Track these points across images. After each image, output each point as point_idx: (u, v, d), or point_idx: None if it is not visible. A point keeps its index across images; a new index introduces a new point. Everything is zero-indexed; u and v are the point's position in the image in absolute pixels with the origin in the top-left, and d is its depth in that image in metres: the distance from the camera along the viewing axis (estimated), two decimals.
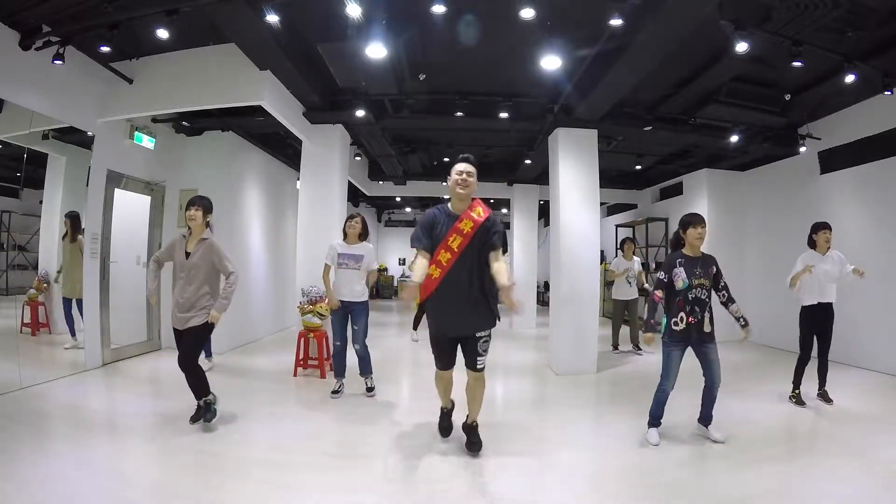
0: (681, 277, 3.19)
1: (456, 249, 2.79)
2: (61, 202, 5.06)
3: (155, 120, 5.84)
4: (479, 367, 2.98)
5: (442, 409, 3.38)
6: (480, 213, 2.87)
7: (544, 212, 11.15)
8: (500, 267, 2.79)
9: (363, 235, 4.38)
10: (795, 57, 3.97)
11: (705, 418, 3.39)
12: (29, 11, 3.79)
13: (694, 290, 3.19)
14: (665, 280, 3.26)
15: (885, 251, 5.45)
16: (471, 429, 3.15)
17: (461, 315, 2.89)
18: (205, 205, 3.47)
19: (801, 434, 3.63)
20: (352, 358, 4.37)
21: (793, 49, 3.94)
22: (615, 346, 6.81)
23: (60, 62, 4.02)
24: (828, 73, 4.76)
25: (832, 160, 6.16)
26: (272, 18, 3.64)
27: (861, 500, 2.52)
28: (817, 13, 3.62)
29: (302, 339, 5.11)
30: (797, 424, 3.78)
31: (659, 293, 3.26)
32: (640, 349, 6.70)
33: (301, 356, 5.09)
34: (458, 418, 3.35)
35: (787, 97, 5.41)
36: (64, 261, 4.98)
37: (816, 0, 3.49)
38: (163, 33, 3.89)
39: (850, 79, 4.37)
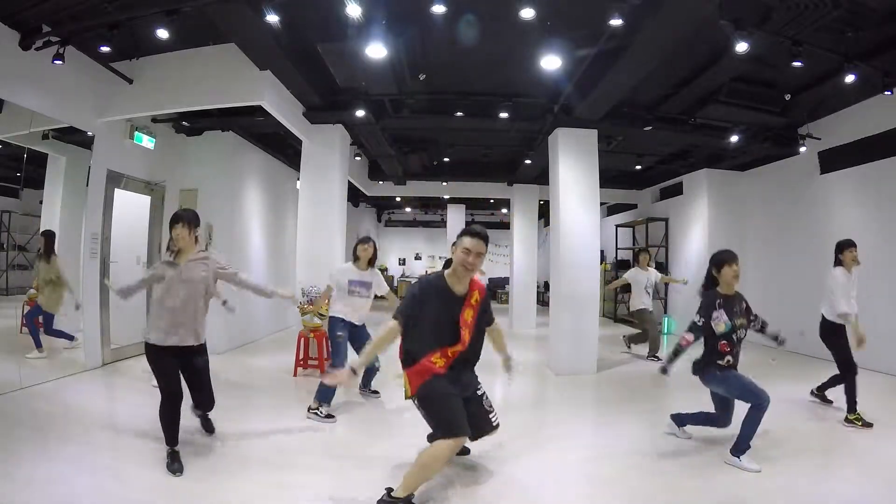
0: (722, 321, 2.95)
1: (466, 342, 2.55)
2: (61, 202, 5.07)
3: (155, 120, 5.84)
4: (496, 424, 2.71)
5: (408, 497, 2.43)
6: (477, 298, 2.64)
7: (544, 212, 11.14)
8: (501, 334, 2.98)
9: (372, 261, 4.12)
10: (795, 57, 3.97)
11: (681, 420, 3.35)
12: (29, 11, 3.79)
13: (738, 332, 2.99)
14: (702, 325, 2.98)
15: (885, 251, 5.44)
16: None
17: (461, 385, 2.61)
18: (189, 219, 2.91)
19: (804, 435, 3.63)
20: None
21: (793, 49, 3.94)
22: (653, 354, 6.34)
23: (60, 62, 4.01)
24: (828, 73, 4.76)
25: (832, 160, 6.15)
26: (272, 18, 3.64)
27: (863, 501, 2.52)
28: (817, 13, 3.62)
29: (302, 339, 5.12)
30: (799, 426, 3.78)
31: (689, 337, 2.98)
32: (659, 358, 6.31)
33: (301, 356, 5.10)
34: None
35: (787, 97, 5.41)
36: (39, 279, 4.71)
37: (816, 0, 3.49)
38: (163, 33, 3.88)
39: (850, 79, 4.37)
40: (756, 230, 7.70)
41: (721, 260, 3.07)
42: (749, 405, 2.90)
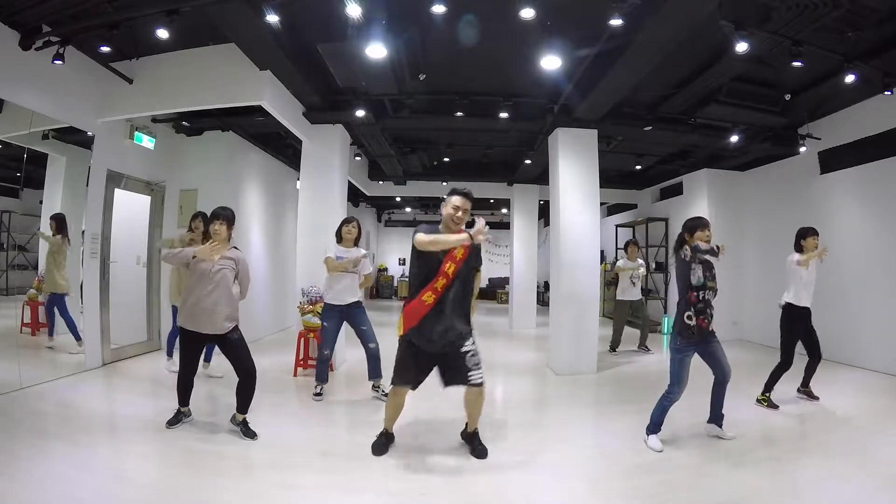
0: (698, 274, 3.19)
1: (450, 275, 2.85)
2: (61, 202, 5.06)
3: (155, 120, 5.84)
4: (476, 380, 2.90)
5: (384, 430, 3.16)
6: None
7: (544, 212, 11.15)
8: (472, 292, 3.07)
9: (357, 240, 4.37)
10: (795, 57, 3.97)
11: (717, 418, 3.39)
12: (29, 11, 3.79)
13: (707, 292, 3.19)
14: (687, 259, 3.21)
15: (885, 251, 5.45)
16: (472, 436, 3.13)
17: (446, 332, 2.86)
18: (228, 217, 3.31)
19: (800, 434, 3.63)
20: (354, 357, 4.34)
21: (793, 49, 3.94)
22: (613, 348, 6.68)
23: (60, 62, 4.01)
24: (828, 73, 4.76)
25: (832, 160, 6.15)
26: (272, 18, 3.64)
27: (859, 499, 2.52)
28: (817, 13, 3.62)
29: (302, 339, 5.12)
30: (796, 424, 3.78)
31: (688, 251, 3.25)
32: (649, 349, 6.75)
33: (301, 356, 5.10)
34: (453, 426, 3.35)
35: (787, 97, 5.41)
36: (51, 258, 4.89)
37: (816, 0, 3.49)
38: (163, 33, 3.87)
39: (850, 79, 4.37)
40: (756, 230, 7.70)
41: (693, 226, 3.31)
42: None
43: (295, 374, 5.03)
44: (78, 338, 4.98)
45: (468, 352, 2.90)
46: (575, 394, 4.74)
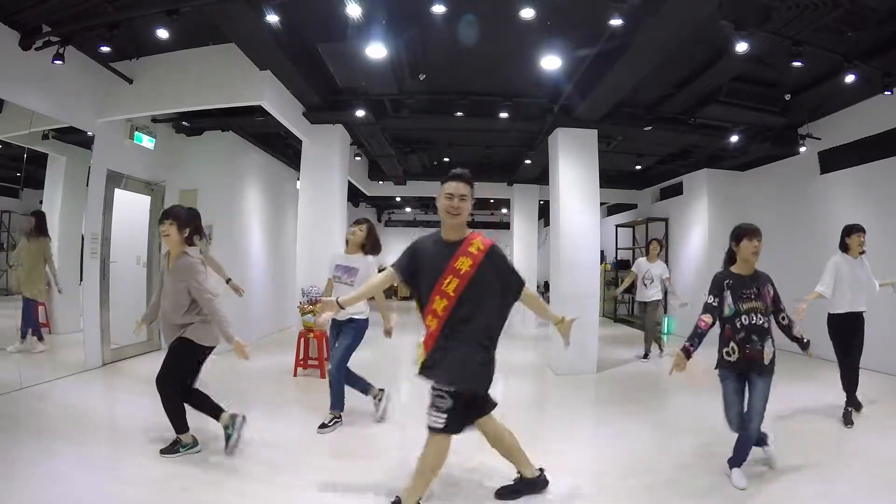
0: (727, 303, 2.71)
1: (452, 294, 2.22)
2: (61, 202, 5.06)
3: (155, 120, 5.84)
4: (494, 402, 2.45)
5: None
6: (480, 246, 2.28)
7: (544, 212, 11.15)
8: (535, 296, 2.65)
9: (367, 247, 3.71)
10: (795, 57, 3.97)
11: (734, 459, 2.76)
12: (29, 11, 3.79)
13: (744, 317, 2.67)
14: (715, 304, 2.74)
15: (885, 251, 5.44)
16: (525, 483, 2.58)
17: (465, 369, 2.24)
18: (178, 216, 2.87)
19: (802, 434, 3.63)
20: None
21: (793, 49, 3.94)
22: (646, 355, 6.29)
23: (60, 62, 4.02)
24: (828, 73, 4.76)
25: (832, 160, 6.15)
26: (272, 18, 3.64)
27: (860, 499, 2.52)
28: (817, 13, 3.62)
29: (302, 339, 5.12)
30: (797, 425, 3.78)
31: (707, 318, 2.72)
32: (648, 355, 6.36)
33: (301, 356, 5.10)
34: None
35: (787, 97, 5.41)
36: (20, 258, 4.70)
37: (816, 0, 3.49)
38: (163, 33, 3.88)
39: (850, 79, 4.37)
40: None
41: (741, 233, 2.74)
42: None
43: (295, 375, 5.03)
44: (41, 338, 4.85)
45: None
46: (575, 394, 4.74)
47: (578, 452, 3.20)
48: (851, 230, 3.83)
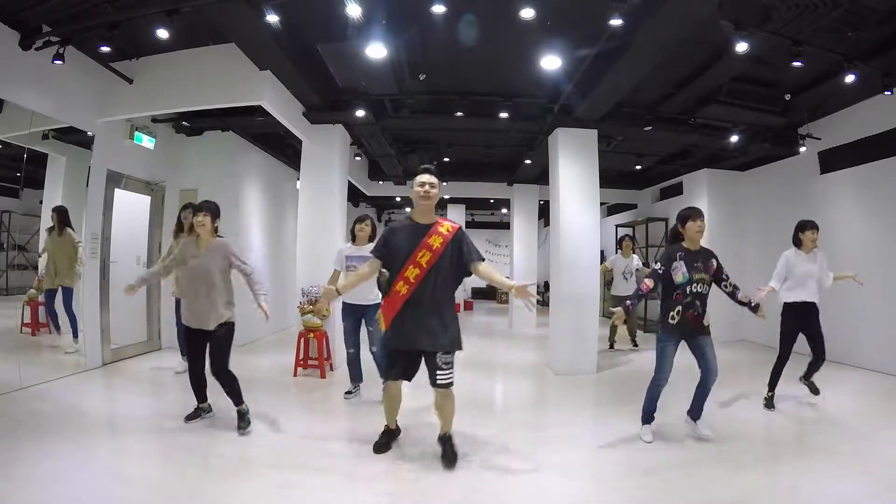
0: (681, 272, 3.16)
1: (424, 265, 2.77)
2: (61, 202, 5.06)
3: (155, 120, 5.84)
4: (440, 381, 2.78)
5: (385, 427, 3.16)
6: (449, 228, 2.87)
7: (544, 212, 11.14)
8: (489, 270, 2.92)
9: (372, 238, 4.25)
10: (795, 57, 3.97)
11: (695, 412, 3.39)
12: (29, 11, 3.79)
13: (694, 285, 3.17)
14: (661, 272, 3.20)
15: (885, 251, 5.45)
16: (444, 441, 2.97)
17: (424, 329, 2.78)
18: (213, 210, 3.34)
19: (800, 434, 3.63)
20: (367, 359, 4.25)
21: (793, 49, 3.94)
22: (612, 345, 6.77)
23: (60, 62, 4.01)
24: (828, 73, 4.76)
25: (832, 160, 6.15)
26: (272, 18, 3.64)
27: (860, 499, 2.52)
28: (817, 13, 3.62)
29: (302, 339, 5.12)
30: (796, 425, 3.78)
31: (649, 282, 3.19)
32: (637, 345, 6.78)
33: (301, 356, 5.10)
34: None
35: (787, 97, 5.41)
36: (52, 254, 4.85)
37: (816, 0, 3.49)
38: (163, 33, 3.88)
39: (850, 79, 4.37)
40: (756, 230, 7.69)
41: (686, 216, 3.27)
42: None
43: (295, 374, 5.03)
44: (76, 335, 4.96)
45: (438, 353, 2.78)
46: (575, 394, 4.74)
47: (578, 452, 3.20)
48: (805, 227, 4.05)
